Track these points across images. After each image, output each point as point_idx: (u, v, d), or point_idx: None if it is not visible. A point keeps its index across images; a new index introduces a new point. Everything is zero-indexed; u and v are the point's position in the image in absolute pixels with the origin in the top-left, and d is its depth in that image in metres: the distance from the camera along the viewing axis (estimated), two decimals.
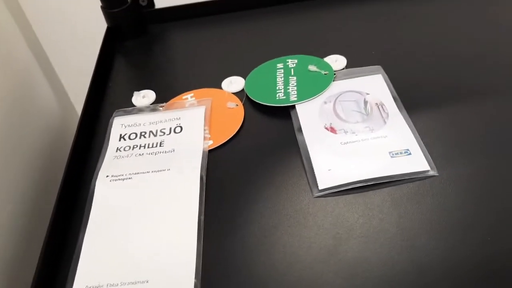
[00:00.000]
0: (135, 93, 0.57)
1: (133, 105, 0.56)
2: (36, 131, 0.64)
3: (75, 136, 0.50)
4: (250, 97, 0.54)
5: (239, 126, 0.51)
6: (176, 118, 0.52)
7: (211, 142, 0.49)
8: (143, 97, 0.57)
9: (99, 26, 0.66)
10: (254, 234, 0.41)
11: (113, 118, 0.53)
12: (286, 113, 0.52)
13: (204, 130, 0.50)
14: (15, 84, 0.62)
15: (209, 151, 0.49)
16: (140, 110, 0.54)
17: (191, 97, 0.55)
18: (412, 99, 0.51)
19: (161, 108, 0.54)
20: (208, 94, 0.56)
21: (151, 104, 0.55)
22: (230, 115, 0.52)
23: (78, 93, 0.73)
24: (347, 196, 0.43)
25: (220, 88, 0.57)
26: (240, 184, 0.45)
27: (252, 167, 0.46)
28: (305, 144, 0.47)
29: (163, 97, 0.57)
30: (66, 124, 0.75)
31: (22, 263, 0.54)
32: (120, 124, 0.52)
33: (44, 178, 0.63)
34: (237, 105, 0.54)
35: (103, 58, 0.63)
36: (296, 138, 0.49)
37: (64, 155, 0.49)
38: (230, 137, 0.50)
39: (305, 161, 0.46)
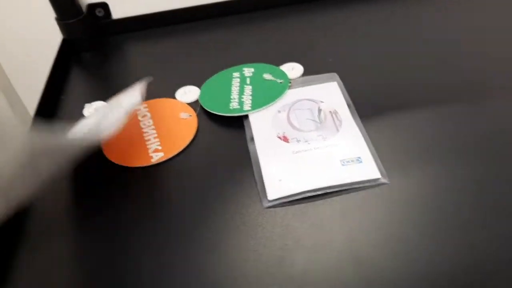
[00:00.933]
0: (86, 106, 0.55)
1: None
2: None
3: None
4: (204, 107, 0.53)
5: (192, 137, 0.50)
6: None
7: (161, 154, 0.48)
8: (95, 109, 0.55)
9: (55, 38, 0.65)
10: (200, 248, 0.39)
11: None
12: (240, 123, 0.51)
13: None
14: None
15: (160, 163, 0.47)
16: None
17: (144, 107, 0.54)
18: (366, 106, 0.50)
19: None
20: (161, 105, 0.54)
21: None
22: (183, 126, 0.51)
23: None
24: (297, 206, 0.42)
25: (174, 98, 0.55)
26: (189, 197, 0.44)
27: (202, 179, 0.45)
28: (256, 154, 0.46)
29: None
30: None
31: None
32: None
33: None
34: (190, 115, 0.52)
35: (57, 70, 0.61)
36: (248, 148, 0.47)
37: None
38: (182, 149, 0.48)
39: (255, 172, 0.45)
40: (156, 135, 0.50)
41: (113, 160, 0.48)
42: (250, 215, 0.41)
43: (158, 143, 0.49)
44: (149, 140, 0.49)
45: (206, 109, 0.52)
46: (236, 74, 0.57)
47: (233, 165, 0.46)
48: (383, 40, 0.60)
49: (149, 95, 0.56)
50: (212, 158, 0.47)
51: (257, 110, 0.51)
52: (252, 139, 0.48)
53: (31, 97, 0.75)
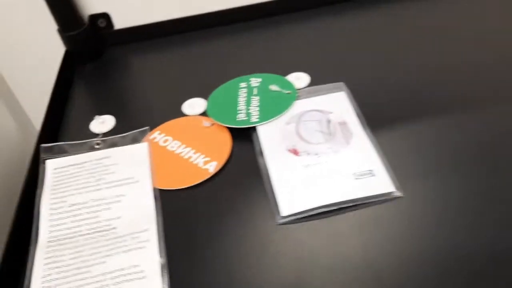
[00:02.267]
0: (96, 118, 0.54)
1: (91, 132, 0.54)
2: None
3: (27, 170, 0.48)
4: (213, 120, 0.52)
5: (231, 141, 0.50)
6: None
7: (214, 163, 0.47)
8: (102, 122, 0.55)
9: (59, 50, 0.64)
10: (220, 270, 0.39)
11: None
12: (247, 134, 0.50)
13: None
14: None
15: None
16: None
17: (159, 134, 0.53)
18: (375, 116, 0.50)
19: (97, 146, 0.52)
20: (174, 124, 0.53)
21: (102, 134, 0.53)
22: (212, 133, 0.51)
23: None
24: (311, 222, 0.41)
25: (180, 110, 0.55)
26: (201, 216, 0.43)
27: (213, 197, 0.45)
28: (267, 168, 0.46)
29: (123, 122, 0.55)
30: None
31: None
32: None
33: None
34: (212, 123, 0.52)
35: (60, 82, 0.60)
36: (257, 161, 0.47)
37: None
38: (229, 153, 0.48)
39: (267, 187, 0.44)
40: (194, 150, 0.49)
41: (170, 187, 0.47)
42: (264, 231, 0.41)
43: (203, 155, 0.49)
44: (190, 157, 0.49)
45: (213, 120, 0.52)
46: (243, 84, 0.56)
47: (242, 180, 0.46)
48: (390, 49, 0.60)
49: (156, 114, 0.55)
50: (221, 172, 0.47)
51: (265, 122, 0.50)
52: (261, 152, 0.47)
53: (36, 109, 0.75)
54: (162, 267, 0.39)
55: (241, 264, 0.39)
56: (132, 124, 0.54)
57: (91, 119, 0.55)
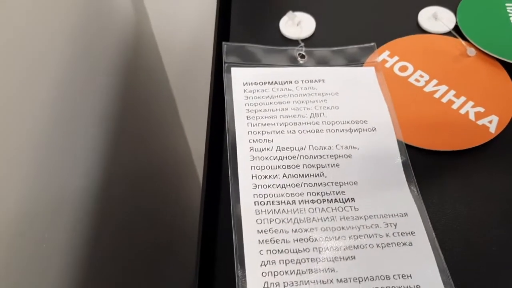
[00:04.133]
0: (288, 15, 0.37)
1: (282, 35, 0.37)
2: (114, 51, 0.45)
3: (211, 80, 0.32)
4: (474, 45, 0.34)
5: None
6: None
7: (494, 118, 0.31)
8: (297, 24, 0.37)
9: None
10: None
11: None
12: None
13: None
14: None
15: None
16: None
17: (389, 56, 0.35)
18: None
19: (301, 60, 0.35)
20: (413, 46, 0.35)
21: (301, 41, 0.36)
22: (483, 69, 0.33)
23: None
24: None
25: (416, 23, 0.37)
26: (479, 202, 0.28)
27: (496, 172, 0.29)
28: None
29: (327, 27, 0.37)
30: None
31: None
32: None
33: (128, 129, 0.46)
34: (475, 52, 0.34)
35: None
36: None
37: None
38: None
39: None
40: (453, 91, 0.32)
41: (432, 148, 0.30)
42: None
43: (472, 102, 0.32)
44: (450, 102, 0.32)
45: (481, 48, 0.34)
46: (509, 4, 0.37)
47: None
48: None
49: (379, 24, 0.37)
50: (505, 131, 0.30)
51: None
52: None
53: None
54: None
55: None
56: (341, 33, 0.37)
57: (280, 15, 0.38)
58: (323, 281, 0.24)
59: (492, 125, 0.30)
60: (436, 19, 0.37)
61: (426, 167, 0.30)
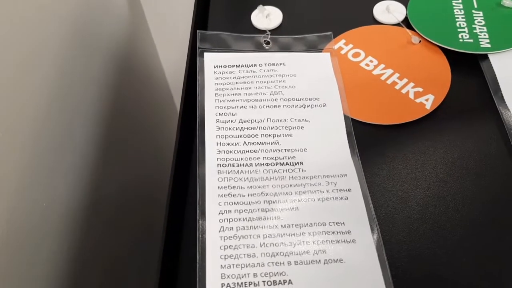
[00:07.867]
0: (259, 8, 0.42)
1: (253, 26, 0.42)
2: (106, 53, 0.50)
3: (186, 63, 0.37)
4: (420, 34, 0.39)
5: (450, 68, 0.37)
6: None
7: (431, 97, 0.35)
8: (267, 16, 0.42)
9: None
10: None
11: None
12: (471, 63, 0.37)
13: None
14: None
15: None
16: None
17: (345, 44, 0.40)
18: None
19: (266, 46, 0.39)
20: (368, 34, 0.40)
21: (267, 31, 0.41)
22: (426, 55, 0.38)
23: None
24: None
25: (371, 16, 0.42)
26: (414, 167, 0.32)
27: (426, 143, 0.33)
28: (509, 115, 0.33)
29: (293, 19, 0.42)
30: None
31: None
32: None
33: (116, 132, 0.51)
34: (420, 40, 0.39)
35: None
36: (494, 102, 0.34)
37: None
38: (449, 85, 0.36)
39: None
40: (397, 74, 0.37)
41: (374, 122, 0.35)
42: None
43: (412, 83, 0.36)
44: (394, 83, 0.37)
45: (424, 37, 0.39)
46: None
47: (468, 122, 0.34)
48: None
49: (339, 16, 0.42)
50: (439, 108, 0.35)
51: (502, 50, 0.37)
52: (498, 93, 0.35)
53: None
54: (376, 236, 0.29)
55: None
56: (305, 24, 0.42)
57: (251, 9, 0.43)
58: (269, 226, 0.29)
59: (428, 102, 0.35)
60: (388, 12, 0.41)
61: (368, 138, 0.34)
